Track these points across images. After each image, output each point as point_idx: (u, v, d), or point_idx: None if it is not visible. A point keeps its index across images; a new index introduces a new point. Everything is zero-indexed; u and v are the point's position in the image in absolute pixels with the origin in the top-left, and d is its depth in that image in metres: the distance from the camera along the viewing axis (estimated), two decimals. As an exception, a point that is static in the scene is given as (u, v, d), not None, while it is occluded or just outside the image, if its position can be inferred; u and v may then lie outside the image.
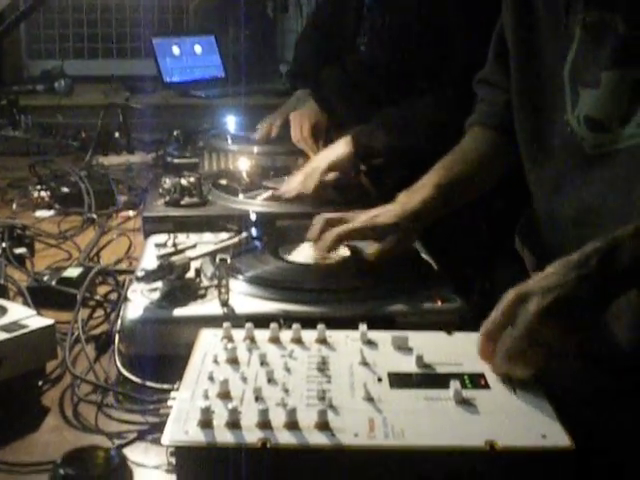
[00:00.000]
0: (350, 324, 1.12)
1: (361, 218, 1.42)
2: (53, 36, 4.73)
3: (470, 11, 1.94)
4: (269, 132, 2.48)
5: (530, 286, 0.99)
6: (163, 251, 1.31)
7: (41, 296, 1.44)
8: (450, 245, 1.54)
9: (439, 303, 1.24)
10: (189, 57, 4.26)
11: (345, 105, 2.28)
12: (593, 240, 1.03)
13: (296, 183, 1.90)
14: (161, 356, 1.16)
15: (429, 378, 0.98)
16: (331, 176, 1.97)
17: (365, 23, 2.42)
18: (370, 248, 1.40)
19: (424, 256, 1.50)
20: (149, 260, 1.39)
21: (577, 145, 1.27)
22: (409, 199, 1.46)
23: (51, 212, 2.08)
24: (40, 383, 1.16)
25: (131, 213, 2.06)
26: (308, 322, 1.12)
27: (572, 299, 0.97)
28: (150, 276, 1.22)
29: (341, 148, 1.99)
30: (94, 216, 2.00)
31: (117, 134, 2.79)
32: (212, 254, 1.33)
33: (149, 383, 1.10)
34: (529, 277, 1.40)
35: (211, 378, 0.95)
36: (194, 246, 1.34)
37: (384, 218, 1.42)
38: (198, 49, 4.32)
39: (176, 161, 2.34)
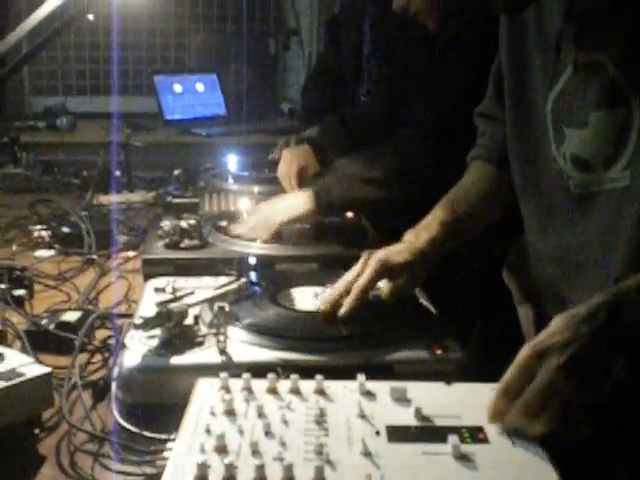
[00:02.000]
0: (349, 373, 1.11)
1: (373, 264, 1.41)
2: (56, 73, 4.75)
3: (457, 59, 1.96)
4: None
5: (545, 342, 0.98)
6: (161, 298, 1.31)
7: (39, 340, 1.44)
8: (442, 279, 1.54)
9: (438, 352, 1.24)
10: (191, 95, 4.27)
11: (338, 156, 2.29)
12: (598, 293, 1.03)
13: (250, 227, 1.91)
14: (159, 404, 1.16)
15: (427, 431, 0.97)
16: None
17: (364, 74, 2.45)
18: (384, 289, 1.40)
19: (423, 302, 1.49)
20: (148, 305, 1.39)
21: (563, 183, 1.28)
22: (416, 238, 1.47)
23: (51, 252, 2.08)
24: (37, 431, 1.16)
25: (131, 254, 2.05)
26: (307, 370, 1.12)
27: (589, 354, 0.97)
28: (148, 323, 1.22)
29: (302, 205, 1.95)
30: (94, 257, 1.99)
31: (118, 172, 2.79)
32: (210, 301, 1.33)
33: (146, 433, 1.09)
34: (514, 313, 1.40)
35: (208, 431, 0.95)
36: (192, 292, 1.34)
37: (397, 257, 1.43)
38: (200, 87, 4.34)
39: (176, 201, 2.33)
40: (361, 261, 1.43)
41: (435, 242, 1.47)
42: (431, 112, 1.95)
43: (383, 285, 1.42)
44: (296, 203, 1.97)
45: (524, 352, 0.99)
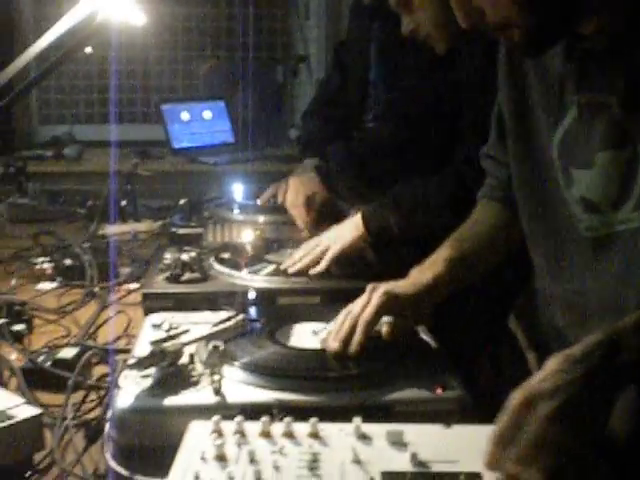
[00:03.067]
0: (347, 413, 1.09)
1: (378, 296, 1.38)
2: (64, 101, 4.76)
3: (473, 85, 1.94)
4: (273, 196, 2.48)
5: (536, 387, 0.96)
6: (157, 335, 1.29)
7: (36, 377, 1.43)
8: (446, 320, 1.51)
9: (439, 391, 1.21)
10: (198, 123, 4.27)
11: (348, 183, 2.28)
12: (594, 333, 1.00)
13: (302, 260, 1.89)
14: (153, 446, 1.13)
15: (423, 478, 0.94)
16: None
17: (370, 100, 2.44)
18: (385, 327, 1.38)
19: (424, 337, 1.47)
20: (144, 342, 1.37)
21: (574, 226, 1.26)
22: (421, 275, 1.46)
23: (53, 284, 2.07)
24: (28, 474, 1.14)
25: (133, 286, 2.04)
26: (303, 411, 1.10)
27: (582, 398, 0.94)
28: (142, 363, 1.20)
29: (351, 232, 1.95)
30: (95, 289, 1.98)
31: (124, 202, 2.79)
32: (207, 339, 1.31)
33: (138, 477, 1.07)
34: (523, 359, 1.37)
35: (197, 477, 0.92)
36: (187, 331, 1.32)
37: (401, 290, 1.41)
38: (207, 114, 4.34)
39: (181, 231, 2.33)
40: (366, 293, 1.41)
41: (440, 279, 1.46)
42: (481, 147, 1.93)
43: (384, 322, 1.39)
44: (345, 231, 1.97)
45: (514, 399, 0.96)
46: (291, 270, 1.85)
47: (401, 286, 1.43)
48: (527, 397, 0.95)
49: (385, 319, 1.40)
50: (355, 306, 1.39)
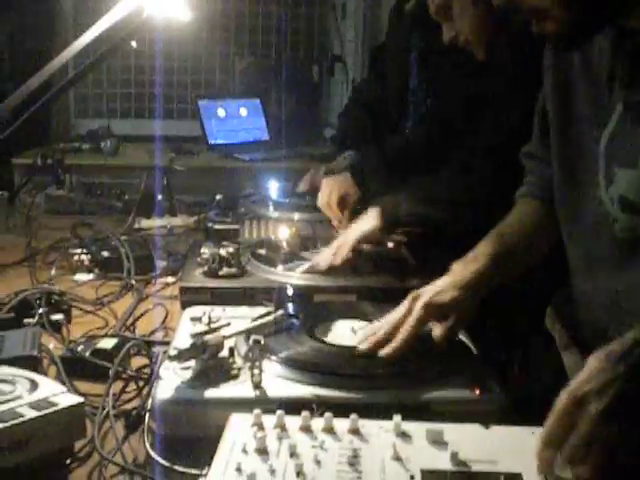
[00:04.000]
0: (385, 411, 1.10)
1: (420, 306, 1.37)
2: (101, 96, 4.80)
3: (509, 90, 1.94)
4: (313, 183, 2.49)
5: (582, 387, 0.96)
6: (197, 328, 1.29)
7: (75, 367, 1.44)
8: (482, 320, 1.51)
9: (477, 392, 1.21)
10: (234, 119, 4.29)
11: (379, 185, 2.29)
12: (632, 329, 1.00)
13: (327, 256, 1.90)
14: (192, 437, 1.14)
15: (463, 477, 0.95)
16: (366, 247, 1.99)
17: (410, 108, 2.44)
18: (435, 330, 1.36)
19: (462, 338, 1.47)
20: (183, 335, 1.38)
21: (609, 226, 1.25)
22: (464, 270, 1.44)
23: (90, 276, 2.09)
24: (68, 461, 1.15)
25: (170, 279, 2.05)
26: (342, 407, 1.10)
27: (628, 395, 0.95)
28: (183, 355, 1.21)
29: (369, 221, 2.00)
30: (133, 282, 1.99)
31: (160, 196, 2.80)
32: (246, 333, 1.31)
33: (177, 467, 1.08)
34: (559, 356, 1.36)
35: (239, 469, 0.93)
36: (228, 324, 1.32)
37: (444, 297, 1.39)
38: (243, 112, 4.36)
39: (217, 227, 2.34)
40: (407, 301, 1.39)
41: (483, 275, 1.43)
42: (497, 142, 1.94)
43: (433, 327, 1.38)
44: (364, 221, 2.00)
45: (562, 400, 0.96)
46: (318, 268, 1.86)
47: (442, 291, 1.40)
48: (575, 398, 0.96)
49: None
50: (395, 314, 1.38)
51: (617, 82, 1.22)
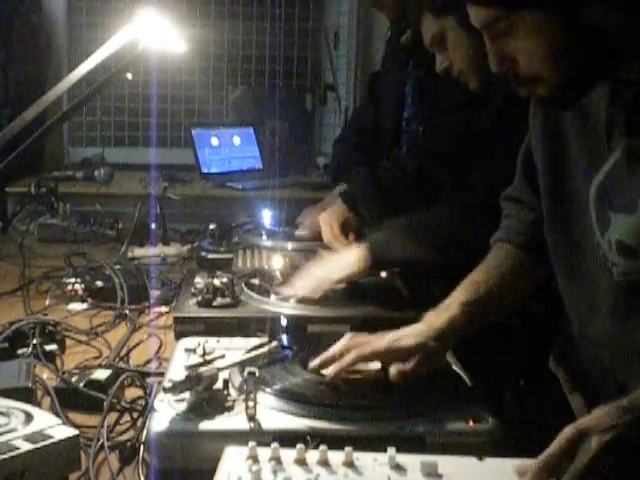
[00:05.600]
0: (379, 443, 1.10)
1: (384, 340, 1.38)
2: (95, 124, 4.81)
3: (500, 125, 1.95)
4: (313, 227, 2.48)
5: (588, 424, 1.00)
6: (191, 359, 1.30)
7: (69, 398, 1.44)
8: (482, 356, 1.51)
9: (471, 424, 1.22)
10: (227, 148, 4.30)
11: (371, 211, 2.30)
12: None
13: (305, 286, 1.89)
14: (186, 470, 1.15)
15: (458, 510, 0.95)
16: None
17: (404, 136, 2.46)
18: (393, 369, 1.35)
19: (456, 369, 1.47)
20: (177, 367, 1.38)
21: (607, 270, 1.26)
22: (436, 318, 1.44)
23: (84, 305, 2.08)
24: (62, 494, 1.15)
25: (163, 309, 2.05)
26: (336, 440, 1.11)
27: (631, 437, 0.98)
28: (177, 387, 1.21)
29: (356, 262, 1.96)
30: (126, 311, 2.00)
31: (153, 225, 2.80)
32: (241, 364, 1.32)
33: (172, 500, 1.08)
34: (563, 396, 1.37)
35: (234, 503, 0.93)
36: (223, 356, 1.33)
37: (408, 340, 1.39)
38: (237, 140, 4.37)
39: (210, 256, 2.35)
40: (371, 336, 1.41)
41: (454, 322, 1.43)
42: (489, 180, 1.94)
43: (392, 366, 1.36)
44: (349, 260, 1.97)
45: (567, 431, 0.99)
46: (295, 297, 1.86)
47: (406, 336, 1.40)
48: (579, 430, 0.99)
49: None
50: (354, 339, 1.39)
51: (616, 130, 1.23)
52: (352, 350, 1.36)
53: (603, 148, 1.25)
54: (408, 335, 1.40)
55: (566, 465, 0.97)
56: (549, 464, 0.98)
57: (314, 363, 1.36)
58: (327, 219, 2.36)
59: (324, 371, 1.34)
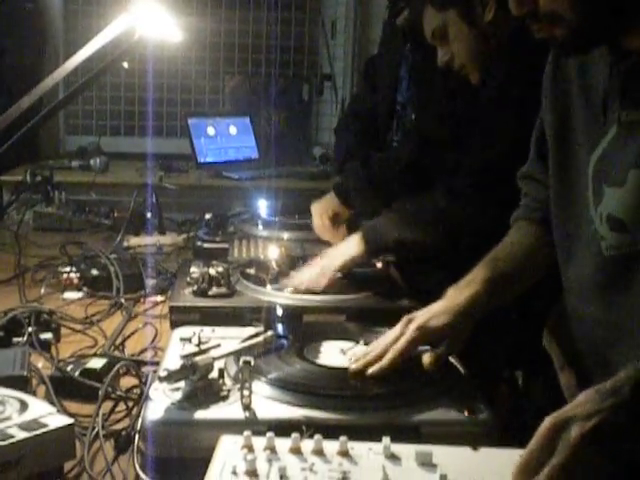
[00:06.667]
0: (374, 432, 1.10)
1: (412, 330, 1.38)
2: (91, 113, 4.80)
3: (497, 110, 1.95)
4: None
5: (567, 414, 0.97)
6: (187, 349, 1.30)
7: (64, 387, 1.44)
8: (476, 347, 1.51)
9: (466, 414, 1.22)
10: (224, 138, 4.30)
11: (363, 202, 2.30)
12: (624, 368, 1.01)
13: (308, 277, 1.90)
14: (181, 458, 1.14)
15: (453, 500, 0.95)
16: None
17: (397, 120, 2.45)
18: (426, 357, 1.37)
19: (451, 359, 1.47)
20: (173, 356, 1.38)
21: (597, 244, 1.26)
22: (458, 295, 1.45)
23: (79, 294, 2.08)
24: (57, 482, 1.15)
25: (159, 298, 2.05)
26: (332, 429, 1.10)
27: (611, 426, 0.96)
28: (172, 376, 1.21)
29: (353, 248, 1.99)
30: (122, 300, 1.99)
31: (149, 214, 2.80)
32: (236, 354, 1.32)
33: (167, 489, 1.08)
34: (555, 376, 1.37)
35: (229, 492, 0.93)
36: (218, 345, 1.33)
37: (437, 321, 1.40)
38: (233, 130, 4.36)
39: (206, 246, 2.35)
40: (401, 323, 1.40)
41: (477, 300, 1.44)
42: (483, 162, 1.95)
43: (423, 354, 1.38)
44: (347, 246, 2.00)
45: (545, 424, 0.97)
46: (298, 289, 1.87)
47: (436, 315, 1.41)
48: (557, 422, 0.96)
49: (425, 348, 1.40)
50: (387, 337, 1.39)
51: (612, 102, 1.24)
52: (388, 350, 1.36)
53: (601, 121, 1.26)
54: (436, 315, 1.41)
55: (547, 460, 0.94)
56: (530, 462, 0.96)
57: (354, 366, 1.34)
58: (318, 210, 2.37)
59: (369, 370, 1.33)
